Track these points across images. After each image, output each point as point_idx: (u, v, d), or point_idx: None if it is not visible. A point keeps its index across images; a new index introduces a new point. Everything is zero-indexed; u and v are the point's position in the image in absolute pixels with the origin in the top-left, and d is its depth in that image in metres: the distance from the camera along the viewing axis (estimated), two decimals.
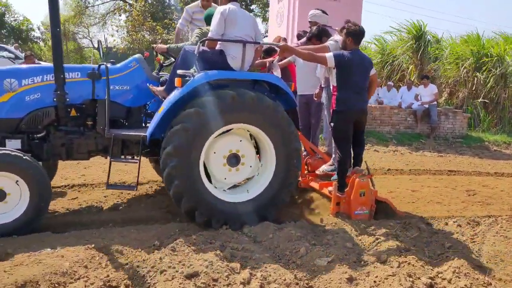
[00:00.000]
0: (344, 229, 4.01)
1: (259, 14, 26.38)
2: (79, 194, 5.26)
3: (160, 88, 4.32)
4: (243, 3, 25.59)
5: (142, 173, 5.09)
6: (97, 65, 4.22)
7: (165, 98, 4.14)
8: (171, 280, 2.83)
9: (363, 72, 4.40)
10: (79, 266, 3.01)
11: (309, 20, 6.00)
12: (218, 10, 4.14)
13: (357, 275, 3.12)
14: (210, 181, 4.15)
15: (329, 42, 4.78)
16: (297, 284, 3.02)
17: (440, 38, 15.68)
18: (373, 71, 4.53)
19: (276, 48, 5.02)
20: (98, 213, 4.56)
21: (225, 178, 4.19)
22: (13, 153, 3.60)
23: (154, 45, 4.93)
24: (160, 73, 4.91)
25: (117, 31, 19.26)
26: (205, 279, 2.88)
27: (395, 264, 3.37)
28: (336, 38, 4.81)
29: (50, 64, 3.96)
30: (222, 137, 4.11)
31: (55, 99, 4.00)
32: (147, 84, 4.39)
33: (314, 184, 5.00)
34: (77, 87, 4.15)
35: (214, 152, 4.08)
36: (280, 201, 4.23)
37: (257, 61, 5.37)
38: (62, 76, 3.96)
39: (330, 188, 4.52)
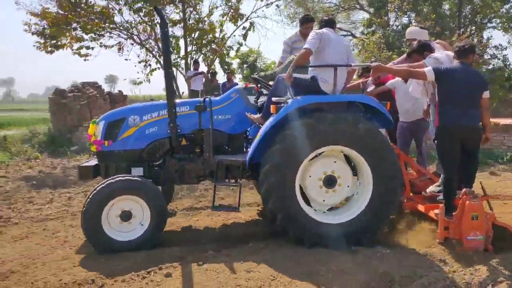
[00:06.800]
0: None
1: None
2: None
3: (257, 116, 4.64)
4: None
5: None
6: (203, 99, 4.75)
7: (262, 125, 4.45)
8: None
9: (469, 88, 4.17)
10: None
11: (407, 38, 5.76)
12: (314, 30, 4.45)
13: None
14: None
15: (427, 60, 4.60)
16: None
17: None
18: (485, 95, 4.25)
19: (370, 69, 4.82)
20: None
21: (323, 200, 4.38)
22: (140, 180, 4.24)
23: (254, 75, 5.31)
24: (258, 101, 5.20)
25: None
26: None
27: None
28: (437, 55, 4.66)
29: (164, 101, 4.65)
30: (316, 160, 4.33)
31: (169, 131, 4.60)
32: (245, 112, 4.75)
33: (420, 207, 4.75)
34: (187, 119, 4.72)
35: (310, 176, 4.31)
36: (376, 228, 4.29)
37: (349, 85, 5.36)
38: (174, 110, 4.56)
39: (437, 211, 4.26)
